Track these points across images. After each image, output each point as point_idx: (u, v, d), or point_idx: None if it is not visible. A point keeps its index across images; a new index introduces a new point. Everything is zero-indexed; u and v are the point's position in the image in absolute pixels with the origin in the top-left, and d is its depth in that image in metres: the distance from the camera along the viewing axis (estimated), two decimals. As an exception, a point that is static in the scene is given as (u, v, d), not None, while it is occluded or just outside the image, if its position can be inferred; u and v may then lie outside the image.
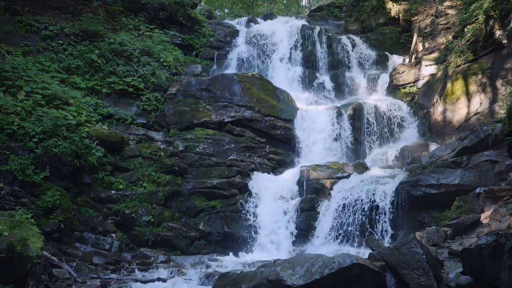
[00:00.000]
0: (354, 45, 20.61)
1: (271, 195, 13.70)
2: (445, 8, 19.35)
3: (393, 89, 18.24)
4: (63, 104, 13.41)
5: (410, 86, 17.91)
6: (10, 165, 11.25)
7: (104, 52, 16.06)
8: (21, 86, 13.14)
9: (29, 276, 8.59)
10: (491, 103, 14.36)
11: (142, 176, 13.49)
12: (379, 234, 11.68)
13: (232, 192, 13.76)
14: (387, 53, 20.70)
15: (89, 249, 11.53)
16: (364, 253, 10.16)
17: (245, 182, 13.93)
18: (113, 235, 12.29)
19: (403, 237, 11.00)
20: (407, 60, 19.87)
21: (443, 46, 17.76)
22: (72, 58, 15.50)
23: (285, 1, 42.34)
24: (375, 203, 11.98)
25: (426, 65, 17.68)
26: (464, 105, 15.03)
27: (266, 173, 14.52)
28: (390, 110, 16.52)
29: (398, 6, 21.42)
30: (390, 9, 21.85)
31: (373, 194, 12.13)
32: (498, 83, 14.40)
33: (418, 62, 18.23)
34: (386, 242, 11.41)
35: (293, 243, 12.65)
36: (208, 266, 11.02)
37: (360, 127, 16.12)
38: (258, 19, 23.80)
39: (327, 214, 12.52)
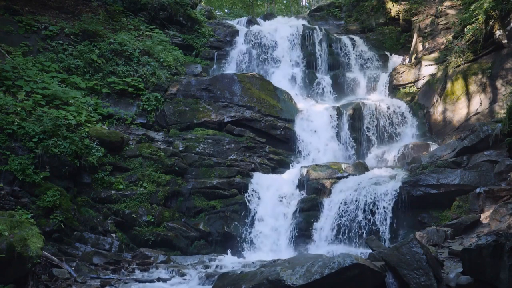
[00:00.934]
0: (354, 45, 20.62)
1: (271, 195, 13.70)
2: (445, 8, 19.35)
3: (393, 89, 18.24)
4: (63, 104, 13.41)
5: (410, 86, 17.91)
6: (10, 165, 11.25)
7: (104, 52, 16.06)
8: (21, 86, 13.14)
9: (29, 276, 8.59)
10: (491, 103, 14.36)
11: (142, 176, 13.49)
12: (379, 234, 11.68)
13: (232, 192, 13.76)
14: (387, 53, 20.71)
15: (89, 249, 11.53)
16: (364, 253, 10.15)
17: (245, 182, 13.93)
18: (113, 235, 12.29)
19: (403, 237, 11.00)
20: (407, 60, 19.88)
21: (443, 46, 17.77)
22: (72, 58, 15.50)
23: (285, 1, 42.34)
24: (375, 203, 11.98)
25: (426, 65, 17.68)
26: (464, 105, 15.03)
27: (266, 173, 14.52)
28: (390, 110, 16.53)
29: (398, 6, 21.42)
30: (390, 9, 21.86)
31: (373, 194, 12.14)
32: (498, 83, 14.40)
33: (418, 62, 18.24)
34: (386, 242, 11.41)
35: (293, 243, 12.64)
36: (208, 266, 11.02)
37: (360, 127, 16.13)
38: (258, 19, 23.81)
39: (327, 214, 12.52)
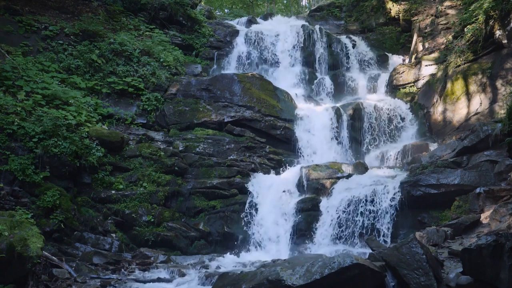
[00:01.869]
0: (354, 45, 20.63)
1: (271, 195, 13.70)
2: (445, 8, 19.35)
3: (393, 89, 18.24)
4: (63, 104, 13.41)
5: (410, 86, 17.91)
6: (10, 165, 11.25)
7: (104, 52, 16.06)
8: (21, 86, 13.13)
9: (29, 276, 8.59)
10: (491, 103, 14.36)
11: (142, 176, 13.49)
12: (379, 234, 11.68)
13: (232, 192, 13.76)
14: (387, 53, 20.72)
15: (89, 249, 11.53)
16: (364, 253, 10.15)
17: (245, 182, 13.93)
18: (113, 235, 12.29)
19: (403, 237, 11.00)
20: (407, 60, 19.88)
21: (443, 46, 17.77)
22: (72, 58, 15.50)
23: (285, 1, 42.34)
24: (375, 203, 11.98)
25: (426, 65, 17.68)
26: (464, 105, 15.03)
27: (266, 173, 14.52)
28: (390, 110, 16.53)
29: (398, 6, 21.42)
30: (390, 9, 21.86)
31: (373, 194, 12.13)
32: (498, 83, 14.40)
33: (418, 62, 18.24)
34: (386, 242, 11.41)
35: (293, 243, 12.64)
36: (208, 266, 11.03)
37: (360, 127, 16.13)
38: (258, 19, 23.82)
39: (327, 214, 12.52)
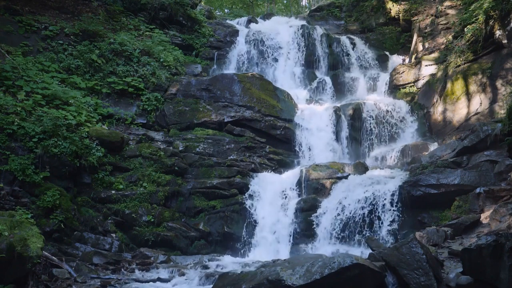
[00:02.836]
0: (354, 45, 20.62)
1: (271, 195, 13.70)
2: (445, 8, 19.36)
3: (393, 89, 18.24)
4: (63, 104, 13.41)
5: (410, 86, 17.91)
6: (10, 165, 11.25)
7: (104, 52, 16.06)
8: (21, 86, 13.13)
9: (29, 276, 8.59)
10: (491, 103, 14.36)
11: (142, 176, 13.49)
12: (379, 234, 11.68)
13: (232, 192, 13.76)
14: (387, 53, 20.72)
15: (89, 249, 11.53)
16: (364, 253, 10.16)
17: (245, 182, 13.93)
18: (113, 235, 12.29)
19: (403, 237, 11.00)
20: (407, 60, 19.88)
21: (443, 46, 17.77)
22: (72, 58, 15.50)
23: (285, 1, 42.34)
24: (375, 203, 11.99)
25: (426, 65, 17.69)
26: (464, 105, 15.03)
27: (266, 173, 14.52)
28: (390, 110, 16.53)
29: (398, 6, 21.42)
30: (390, 9, 21.86)
31: (373, 194, 12.14)
32: (498, 83, 14.40)
33: (418, 62, 18.24)
34: (386, 242, 11.41)
35: (293, 243, 12.64)
36: (208, 266, 11.03)
37: (360, 127, 16.13)
38: (258, 19, 23.81)
39: (327, 214, 12.52)
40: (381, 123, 16.20)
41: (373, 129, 16.11)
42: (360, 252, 10.84)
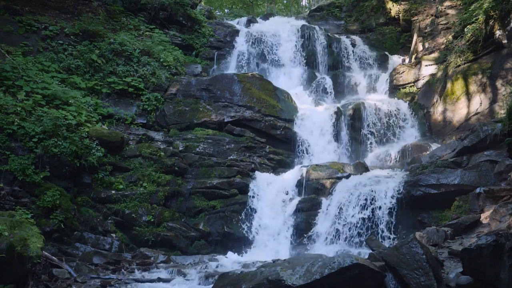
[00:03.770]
0: (354, 45, 20.63)
1: (271, 195, 13.70)
2: (445, 8, 19.36)
3: (393, 89, 18.25)
4: (63, 104, 13.40)
5: (410, 86, 17.91)
6: (10, 165, 11.25)
7: (104, 52, 16.05)
8: (21, 86, 13.13)
9: (29, 276, 8.59)
10: (491, 103, 14.36)
11: (142, 176, 13.49)
12: (379, 234, 11.68)
13: (232, 192, 13.76)
14: (387, 53, 20.72)
15: (89, 249, 11.53)
16: (364, 253, 10.16)
17: (245, 182, 13.93)
18: (113, 235, 12.29)
19: (403, 237, 11.00)
20: (407, 60, 19.88)
21: (443, 46, 17.77)
22: (72, 58, 15.49)
23: (285, 1, 42.34)
24: (375, 203, 11.98)
25: (426, 65, 17.69)
26: (464, 105, 15.03)
27: (266, 173, 14.52)
28: (390, 110, 16.52)
29: (398, 6, 21.42)
30: (390, 9, 21.86)
31: (373, 194, 12.13)
32: (498, 83, 14.40)
33: (418, 62, 18.24)
34: (386, 242, 11.41)
35: (293, 243, 12.65)
36: (208, 266, 11.02)
37: (360, 127, 16.12)
38: (258, 19, 23.81)
39: (327, 214, 12.52)
40: (381, 123, 16.20)
41: (373, 129, 16.11)
42: (360, 252, 10.84)
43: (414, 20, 20.40)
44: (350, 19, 23.96)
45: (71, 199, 11.98)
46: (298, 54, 19.76)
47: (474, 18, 15.18)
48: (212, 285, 8.59)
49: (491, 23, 14.47)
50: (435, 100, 16.12)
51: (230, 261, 11.56)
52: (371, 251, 8.64)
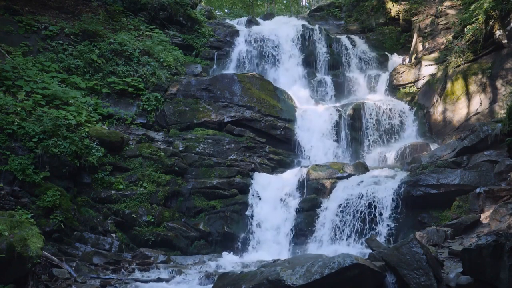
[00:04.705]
0: (354, 45, 20.62)
1: (271, 195, 13.70)
2: (445, 8, 19.36)
3: (393, 89, 18.24)
4: (63, 104, 13.41)
5: (410, 86, 17.91)
6: (10, 165, 11.25)
7: (104, 52, 16.06)
8: (21, 86, 13.14)
9: (29, 276, 8.59)
10: (491, 103, 14.36)
11: (142, 176, 13.49)
12: (379, 234, 11.68)
13: (232, 192, 13.76)
14: (387, 53, 20.71)
15: (89, 249, 11.53)
16: (364, 253, 10.15)
17: (245, 182, 13.93)
18: (113, 235, 12.29)
19: (403, 237, 11.00)
20: (407, 60, 19.88)
21: (443, 46, 17.77)
22: (72, 58, 15.50)
23: (285, 1, 42.34)
24: (375, 203, 11.98)
25: (426, 65, 17.69)
26: (464, 105, 15.03)
27: (266, 173, 14.52)
28: (390, 110, 16.52)
29: (398, 6, 21.42)
30: (390, 9, 21.86)
31: (373, 194, 12.13)
32: (498, 83, 14.40)
33: (418, 62, 18.24)
34: (386, 242, 11.41)
35: (293, 243, 12.65)
36: (208, 266, 11.03)
37: (360, 127, 16.12)
38: (258, 19, 23.80)
39: (327, 214, 12.52)
40: (381, 123, 16.20)
41: (373, 129, 16.10)
42: (360, 252, 10.84)
43: (414, 20, 20.39)
44: (350, 19, 23.96)
45: (71, 199, 11.98)
46: (298, 54, 19.76)
47: (474, 18, 15.18)
48: (212, 285, 8.60)
49: (491, 23, 14.47)
50: (435, 100, 16.12)
51: (230, 261, 11.57)
52: (371, 251, 8.64)
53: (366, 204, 12.04)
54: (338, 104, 17.08)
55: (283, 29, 20.67)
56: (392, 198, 11.92)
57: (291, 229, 12.85)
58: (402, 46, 21.12)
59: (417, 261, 7.34)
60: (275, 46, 19.87)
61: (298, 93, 18.03)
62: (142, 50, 16.91)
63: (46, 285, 9.07)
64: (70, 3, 18.07)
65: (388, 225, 11.73)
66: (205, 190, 13.71)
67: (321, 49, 19.99)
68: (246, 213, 13.36)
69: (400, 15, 21.28)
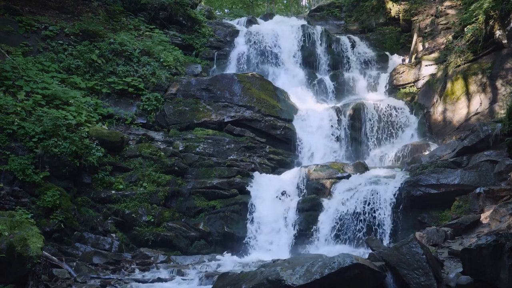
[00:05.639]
0: (354, 45, 20.62)
1: (271, 195, 13.70)
2: (445, 8, 19.36)
3: (393, 89, 18.25)
4: (63, 104, 13.41)
5: (410, 86, 17.91)
6: (10, 165, 11.25)
7: (104, 52, 16.06)
8: (21, 86, 13.14)
9: (29, 276, 8.59)
10: (491, 103, 14.36)
11: (142, 176, 13.49)
12: (379, 234, 11.68)
13: (232, 192, 13.76)
14: (387, 53, 20.71)
15: (89, 249, 11.53)
16: (364, 253, 10.16)
17: (245, 182, 13.93)
18: (113, 235, 12.29)
19: (403, 237, 10.99)
20: (407, 60, 19.88)
21: (443, 46, 17.77)
22: (72, 58, 15.50)
23: (285, 1, 42.34)
24: (375, 203, 11.98)
25: (426, 65, 17.69)
26: (464, 105, 15.03)
27: (266, 173, 14.52)
28: (390, 110, 16.52)
29: (398, 6, 21.42)
30: (390, 9, 21.86)
31: (373, 194, 12.13)
32: (498, 83, 14.40)
33: (418, 62, 18.24)
34: (386, 242, 11.41)
35: (293, 243, 12.64)
36: (208, 266, 11.02)
37: (360, 127, 16.12)
38: (258, 19, 23.80)
39: (327, 214, 12.52)
40: (381, 123, 16.19)
41: (373, 129, 16.10)
42: (360, 252, 10.84)
43: (414, 20, 20.39)
44: (350, 19, 23.96)
45: (71, 199, 11.98)
46: (298, 54, 19.75)
47: (474, 18, 15.18)
48: (212, 285, 8.60)
49: (491, 23, 14.46)
50: (435, 100, 16.12)
51: (230, 261, 11.56)
52: (371, 251, 8.64)
53: (366, 204, 12.04)
54: (338, 104, 17.07)
55: (283, 29, 20.67)
56: (392, 198, 11.92)
57: (291, 229, 12.84)
58: (402, 46, 21.12)
59: (417, 261, 7.34)
60: (275, 46, 19.87)
61: (298, 93, 18.04)
62: (142, 50, 16.91)
63: (46, 285, 9.07)
64: (70, 3, 18.07)
65: (388, 225, 11.73)
66: (205, 190, 13.71)
67: (321, 49, 19.99)
68: (246, 213, 13.34)
69: (400, 15, 21.28)
